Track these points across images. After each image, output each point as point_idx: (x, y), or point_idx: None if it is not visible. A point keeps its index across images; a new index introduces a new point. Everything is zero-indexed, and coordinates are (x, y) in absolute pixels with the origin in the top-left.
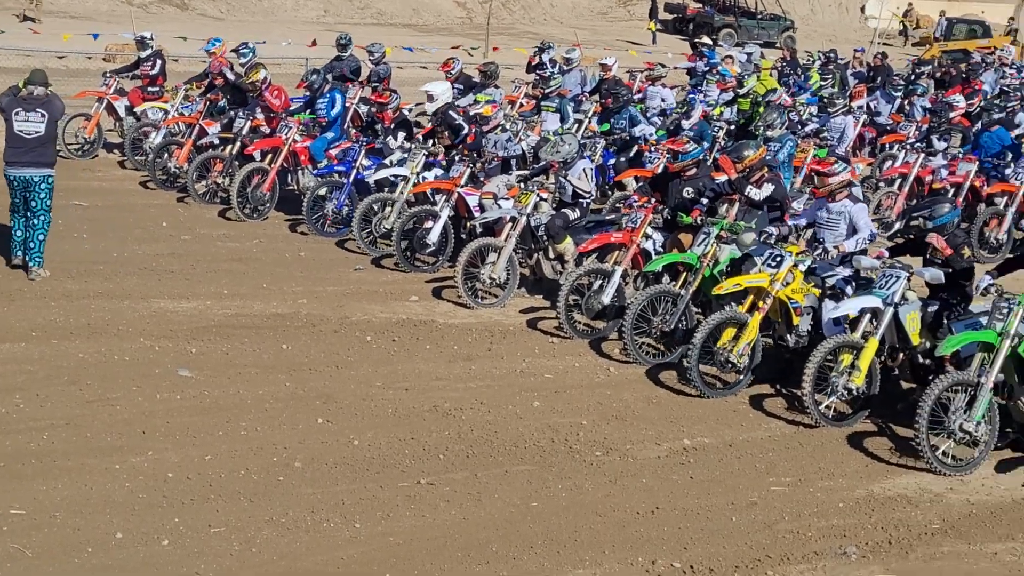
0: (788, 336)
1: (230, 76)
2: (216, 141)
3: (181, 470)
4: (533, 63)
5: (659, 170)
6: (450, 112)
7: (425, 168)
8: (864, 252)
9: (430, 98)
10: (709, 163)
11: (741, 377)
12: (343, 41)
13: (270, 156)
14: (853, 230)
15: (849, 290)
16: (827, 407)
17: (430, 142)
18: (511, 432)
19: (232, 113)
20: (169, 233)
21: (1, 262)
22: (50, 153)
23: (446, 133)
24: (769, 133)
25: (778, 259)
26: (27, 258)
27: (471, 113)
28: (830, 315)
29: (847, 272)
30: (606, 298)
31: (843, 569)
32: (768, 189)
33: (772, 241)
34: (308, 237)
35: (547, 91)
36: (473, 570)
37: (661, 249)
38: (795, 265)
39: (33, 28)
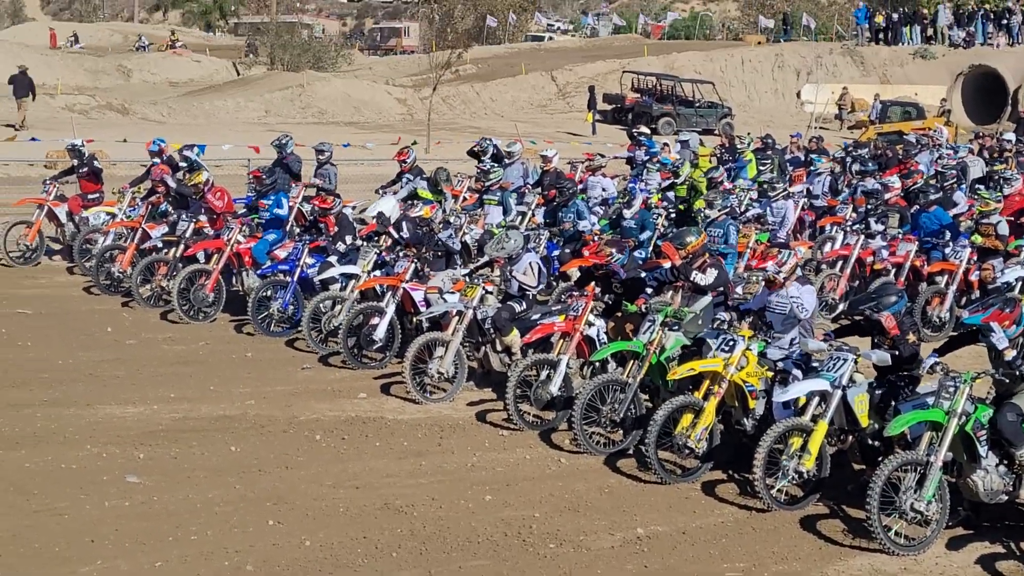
0: (745, 420)
1: (171, 183)
2: (160, 244)
3: None
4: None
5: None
6: (406, 223)
7: (375, 267)
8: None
9: (381, 216)
10: (651, 251)
11: (700, 463)
12: (283, 141)
13: (214, 257)
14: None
15: (797, 373)
16: (779, 491)
17: (380, 240)
18: (464, 527)
19: (176, 216)
20: (114, 338)
21: None
22: None
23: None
24: (708, 212)
25: (731, 343)
26: None
27: (412, 215)
28: (779, 399)
29: (795, 354)
30: (554, 388)
31: None
32: (712, 274)
33: (725, 326)
34: (255, 337)
35: (488, 184)
36: None
37: (605, 336)
38: (748, 348)
39: None
